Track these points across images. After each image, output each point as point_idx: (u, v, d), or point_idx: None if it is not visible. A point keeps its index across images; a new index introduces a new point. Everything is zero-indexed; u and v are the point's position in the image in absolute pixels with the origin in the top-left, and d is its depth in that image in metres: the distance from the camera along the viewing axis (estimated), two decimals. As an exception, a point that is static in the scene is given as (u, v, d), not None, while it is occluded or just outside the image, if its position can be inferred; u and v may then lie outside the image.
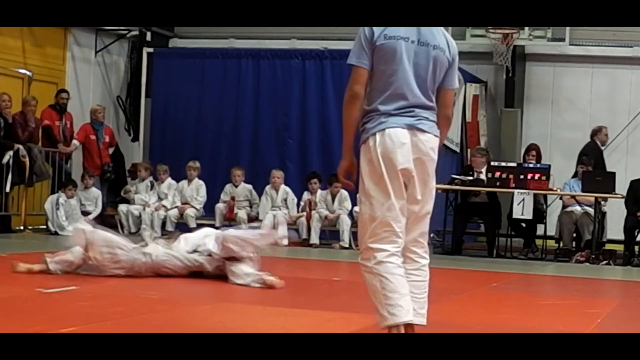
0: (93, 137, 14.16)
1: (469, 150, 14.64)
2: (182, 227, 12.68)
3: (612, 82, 15.42)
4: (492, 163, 12.83)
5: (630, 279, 10.73)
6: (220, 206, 13.64)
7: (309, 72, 14.08)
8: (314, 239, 13.06)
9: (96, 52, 15.83)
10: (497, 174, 12.38)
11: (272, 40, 15.80)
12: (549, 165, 12.71)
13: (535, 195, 12.31)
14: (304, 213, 13.21)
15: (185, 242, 8.08)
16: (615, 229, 12.90)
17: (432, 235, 11.72)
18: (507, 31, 14.62)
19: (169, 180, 13.96)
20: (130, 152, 15.77)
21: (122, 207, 13.89)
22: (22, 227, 13.23)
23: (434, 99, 4.55)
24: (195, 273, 7.96)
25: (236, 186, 13.74)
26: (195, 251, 7.98)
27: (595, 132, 13.87)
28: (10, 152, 12.67)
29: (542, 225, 12.98)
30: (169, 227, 13.43)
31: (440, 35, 4.55)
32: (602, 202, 12.65)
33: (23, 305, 6.12)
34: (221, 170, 14.08)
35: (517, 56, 15.36)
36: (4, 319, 5.43)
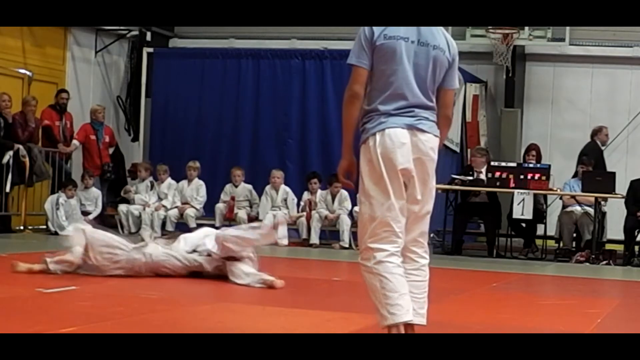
0: (93, 137, 14.16)
1: (469, 150, 14.64)
2: (182, 227, 12.68)
3: (612, 82, 15.42)
4: (492, 163, 12.83)
5: (630, 279, 10.73)
6: (220, 206, 13.64)
7: (309, 72, 14.08)
8: (314, 239, 13.06)
9: (96, 52, 15.83)
10: (497, 174, 12.39)
11: (272, 40, 15.80)
12: (549, 165, 12.71)
13: (535, 195, 12.31)
14: (304, 213, 13.21)
15: (184, 242, 8.08)
16: (615, 229, 12.90)
17: (432, 235, 11.72)
18: (507, 31, 14.62)
19: (169, 180, 13.96)
20: (130, 152, 15.77)
21: (122, 207, 13.90)
22: (22, 227, 13.23)
23: (434, 99, 4.55)
24: (195, 273, 7.96)
25: (236, 186, 13.74)
26: (194, 251, 7.98)
27: (596, 132, 13.86)
28: (10, 152, 12.67)
29: (542, 225, 12.99)
30: (169, 227, 13.43)
31: (440, 36, 4.55)
32: (602, 202, 12.65)
33: (23, 305, 6.12)
34: (221, 170, 14.08)
35: (517, 56, 15.36)
36: (4, 319, 5.43)
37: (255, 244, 7.87)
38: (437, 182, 4.86)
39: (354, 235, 12.38)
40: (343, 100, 4.48)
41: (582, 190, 12.46)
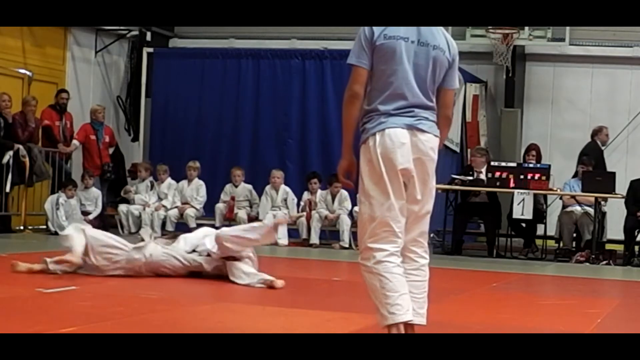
0: (93, 137, 14.16)
1: (469, 150, 14.64)
2: (182, 227, 12.68)
3: (612, 82, 15.42)
4: (492, 163, 12.83)
5: (630, 279, 10.73)
6: (220, 206, 13.64)
7: (309, 72, 14.08)
8: (314, 239, 13.06)
9: (96, 52, 15.83)
10: (497, 174, 12.39)
11: (272, 40, 15.80)
12: (549, 165, 12.71)
13: (535, 195, 12.31)
14: (304, 213, 13.21)
15: (184, 242, 8.08)
16: (615, 229, 12.90)
17: (432, 235, 11.72)
18: (507, 31, 14.62)
19: (169, 180, 13.97)
20: (130, 152, 15.77)
21: (122, 207, 13.90)
22: (22, 227, 13.23)
23: (433, 99, 4.56)
24: (195, 273, 7.96)
25: (236, 186, 13.74)
26: (194, 251, 7.98)
27: (596, 132, 13.87)
28: (10, 152, 12.67)
29: (542, 225, 12.99)
30: (169, 227, 13.43)
31: (440, 36, 4.55)
32: (602, 202, 12.65)
33: (23, 305, 6.12)
34: (221, 170, 14.08)
35: (517, 56, 15.36)
36: (4, 319, 5.43)
37: (254, 243, 7.87)
38: (437, 182, 4.86)
39: (354, 235, 12.38)
40: (343, 100, 4.48)
41: (582, 190, 12.46)
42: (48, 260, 7.68)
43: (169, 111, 14.75)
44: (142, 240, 8.17)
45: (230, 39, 16.29)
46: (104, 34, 15.81)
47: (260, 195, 13.61)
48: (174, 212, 13.67)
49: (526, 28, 14.59)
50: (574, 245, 12.74)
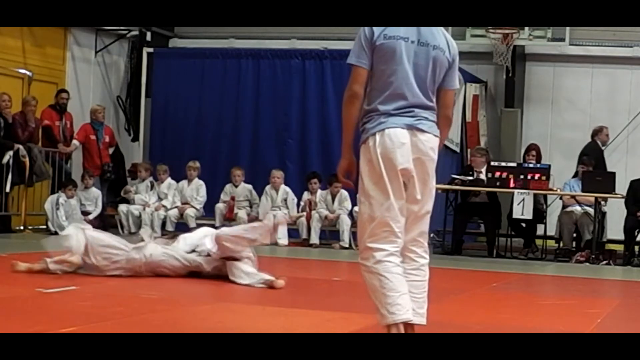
0: (93, 137, 14.16)
1: (469, 150, 14.64)
2: (182, 227, 12.68)
3: (612, 82, 15.42)
4: (492, 163, 12.83)
5: (630, 279, 10.73)
6: (220, 206, 13.64)
7: (309, 72, 14.08)
8: (314, 239, 13.06)
9: (96, 52, 15.83)
10: (497, 174, 12.39)
11: (272, 40, 15.80)
12: (549, 165, 12.71)
13: (535, 195, 12.31)
14: (304, 213, 13.21)
15: (184, 242, 8.07)
16: (615, 229, 12.90)
17: (432, 235, 11.72)
18: (507, 31, 14.62)
19: (169, 180, 13.97)
20: (130, 152, 15.77)
21: (122, 207, 13.90)
22: (22, 227, 13.23)
23: (433, 99, 4.56)
24: (194, 273, 7.96)
25: (236, 186, 13.74)
26: (193, 251, 7.98)
27: (596, 132, 13.87)
28: (10, 152, 12.67)
29: (542, 225, 12.99)
30: (169, 227, 13.43)
31: (440, 36, 4.55)
32: (602, 202, 12.65)
33: (23, 305, 6.12)
34: (221, 170, 14.08)
35: (517, 56, 15.36)
36: (4, 319, 5.43)
37: (254, 243, 7.86)
38: (437, 182, 4.86)
39: (354, 235, 12.38)
40: (343, 100, 4.48)
41: (582, 190, 12.46)
42: (48, 260, 7.68)
43: (169, 111, 14.75)
44: (142, 240, 8.17)
45: (230, 39, 16.29)
46: (104, 34, 15.81)
47: (260, 195, 13.61)
48: (174, 212, 13.67)
49: (526, 28, 14.59)
50: (574, 245, 12.74)
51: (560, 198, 13.22)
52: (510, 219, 12.69)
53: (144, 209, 13.72)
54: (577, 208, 12.68)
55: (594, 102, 15.48)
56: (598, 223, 12.29)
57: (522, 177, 12.27)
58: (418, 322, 4.45)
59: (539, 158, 13.51)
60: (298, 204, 13.47)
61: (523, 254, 12.86)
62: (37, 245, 8.32)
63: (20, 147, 12.82)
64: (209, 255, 7.87)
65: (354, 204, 12.61)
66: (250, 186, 13.78)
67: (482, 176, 12.64)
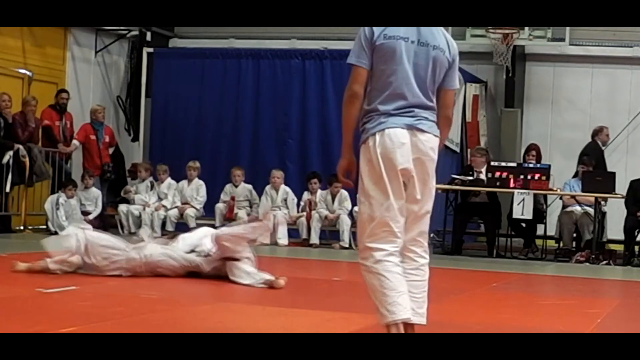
0: (93, 137, 14.16)
1: (469, 150, 14.64)
2: (182, 227, 12.68)
3: (612, 82, 15.42)
4: (492, 163, 12.83)
5: (630, 279, 10.73)
6: (220, 206, 13.64)
7: (309, 72, 14.08)
8: (314, 239, 13.06)
9: (96, 52, 15.83)
10: (497, 174, 12.39)
11: (272, 40, 15.80)
12: (549, 165, 12.71)
13: (535, 195, 12.31)
14: (304, 213, 13.21)
15: (183, 242, 8.07)
16: (615, 229, 12.90)
17: (432, 235, 11.72)
18: (507, 31, 14.62)
19: (169, 180, 13.96)
20: (130, 152, 15.77)
21: (122, 207, 13.90)
22: (22, 227, 13.23)
23: (433, 99, 4.56)
24: (193, 273, 7.95)
25: (236, 186, 13.74)
26: (192, 251, 7.98)
27: (597, 132, 13.87)
28: (10, 152, 12.67)
29: (542, 225, 12.99)
30: (169, 227, 13.43)
31: (440, 36, 4.55)
32: (602, 202, 12.65)
33: (23, 305, 6.12)
34: (221, 170, 14.08)
35: (517, 56, 15.36)
36: (4, 319, 5.43)
37: (249, 239, 7.84)
38: (437, 182, 4.86)
39: (354, 235, 12.38)
40: (343, 100, 4.48)
41: (582, 190, 12.46)
42: (48, 260, 7.69)
43: (169, 111, 14.75)
44: (142, 240, 8.17)
45: (230, 39, 16.29)
46: (104, 34, 15.80)
47: (260, 195, 13.61)
48: (174, 212, 13.67)
49: (526, 28, 14.59)
50: (574, 245, 12.74)
51: (560, 198, 13.22)
52: (510, 219, 12.69)
53: (144, 209, 13.72)
54: (577, 208, 12.68)
55: (594, 102, 15.48)
56: (598, 223, 12.29)
57: (522, 177, 12.27)
58: (418, 322, 4.46)
59: (539, 158, 13.51)
60: (298, 204, 13.47)
61: (523, 254, 12.86)
62: (37, 245, 8.31)
63: (20, 147, 12.82)
64: (208, 255, 7.87)
65: (354, 204, 12.61)
66: (250, 186, 13.78)
67: (482, 176, 12.64)
